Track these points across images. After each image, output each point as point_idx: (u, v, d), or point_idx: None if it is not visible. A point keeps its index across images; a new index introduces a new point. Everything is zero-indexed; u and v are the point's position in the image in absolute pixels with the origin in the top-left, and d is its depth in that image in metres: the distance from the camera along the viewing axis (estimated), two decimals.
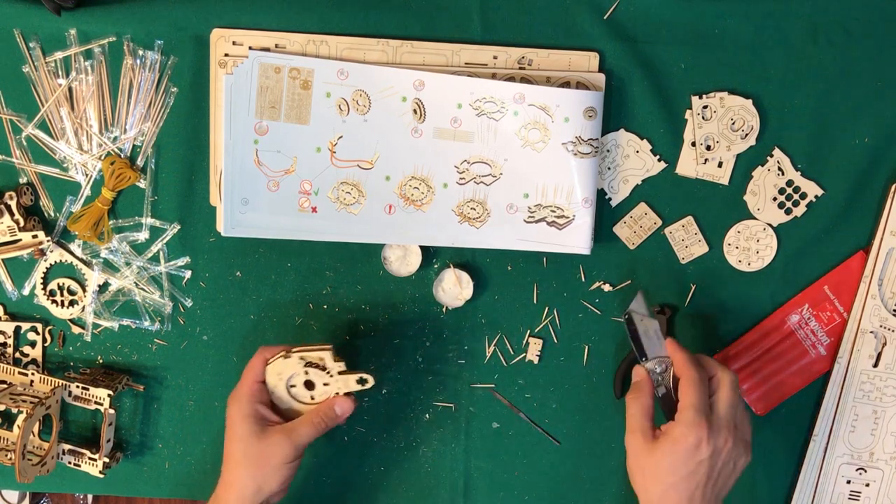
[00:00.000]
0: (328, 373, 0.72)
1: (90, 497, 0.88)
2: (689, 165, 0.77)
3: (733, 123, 0.76)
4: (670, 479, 0.67)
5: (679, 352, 0.71)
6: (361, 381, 0.72)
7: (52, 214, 0.79)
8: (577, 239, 0.76)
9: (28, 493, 0.89)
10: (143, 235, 0.79)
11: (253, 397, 0.71)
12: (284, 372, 0.72)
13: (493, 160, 0.75)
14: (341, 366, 0.72)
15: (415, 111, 0.74)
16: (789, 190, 0.77)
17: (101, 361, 0.82)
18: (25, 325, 0.81)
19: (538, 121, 0.74)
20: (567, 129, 0.73)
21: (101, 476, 0.79)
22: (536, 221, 0.76)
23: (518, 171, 0.75)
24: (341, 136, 0.74)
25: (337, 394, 0.72)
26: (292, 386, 0.73)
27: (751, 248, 0.78)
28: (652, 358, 0.75)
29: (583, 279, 0.79)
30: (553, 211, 0.75)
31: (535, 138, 0.74)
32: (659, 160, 0.77)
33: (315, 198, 0.75)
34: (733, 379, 0.70)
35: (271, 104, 0.73)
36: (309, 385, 0.73)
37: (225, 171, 0.74)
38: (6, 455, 0.77)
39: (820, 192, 0.77)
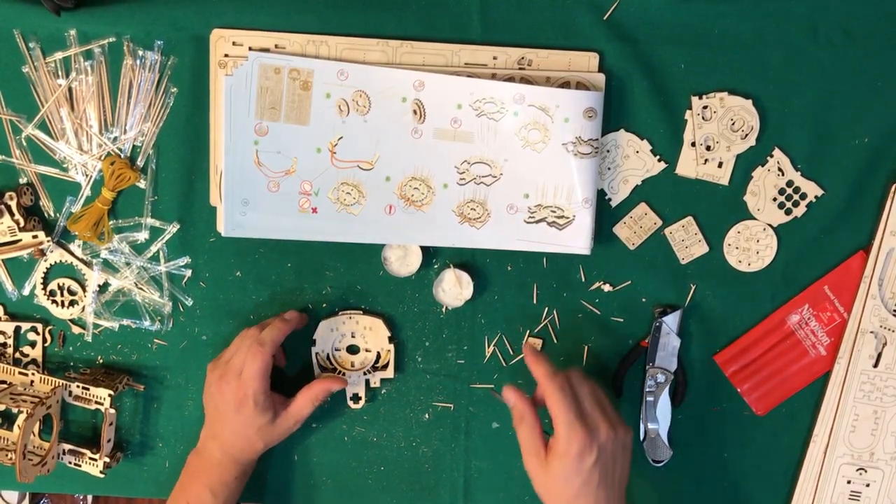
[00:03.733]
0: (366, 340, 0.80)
1: (90, 497, 0.88)
2: (689, 165, 0.77)
3: (733, 123, 0.76)
4: (570, 491, 0.67)
5: (538, 364, 0.70)
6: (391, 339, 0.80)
7: (52, 214, 0.79)
8: (577, 239, 0.76)
9: (28, 494, 0.89)
10: (143, 235, 0.79)
11: (267, 390, 0.74)
12: (338, 331, 0.79)
13: (493, 160, 0.75)
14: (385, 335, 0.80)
15: (415, 112, 0.74)
16: (789, 190, 0.77)
17: (101, 361, 0.82)
18: (25, 325, 0.81)
19: (538, 121, 0.73)
20: (567, 129, 0.73)
21: (102, 476, 0.79)
22: (537, 222, 0.76)
23: (518, 171, 0.75)
24: (341, 137, 0.74)
25: (352, 364, 0.80)
26: (337, 350, 0.79)
27: (751, 248, 0.78)
28: (657, 367, 0.77)
29: (583, 279, 0.79)
30: (553, 211, 0.75)
31: (535, 139, 0.74)
32: (659, 160, 0.77)
33: (315, 198, 0.75)
34: (580, 372, 0.71)
35: (271, 105, 0.73)
36: (351, 350, 0.80)
37: (225, 171, 0.74)
38: (6, 455, 0.77)
39: (820, 192, 0.77)
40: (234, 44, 0.75)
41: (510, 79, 0.75)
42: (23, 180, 0.78)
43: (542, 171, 0.75)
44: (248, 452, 0.76)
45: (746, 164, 0.77)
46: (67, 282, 0.80)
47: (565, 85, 0.75)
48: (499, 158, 0.75)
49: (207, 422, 0.77)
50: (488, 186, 0.76)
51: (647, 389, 0.79)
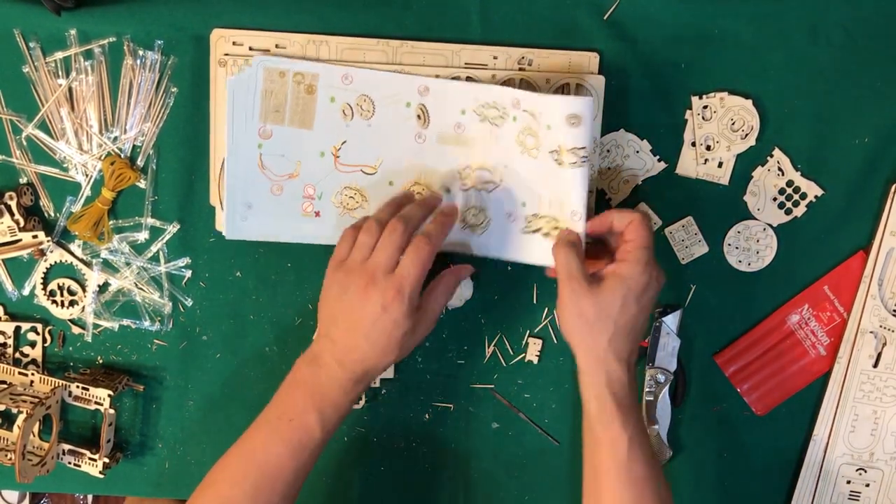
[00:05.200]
0: None
1: (90, 497, 0.88)
2: (689, 165, 0.77)
3: (733, 123, 0.76)
4: (624, 316, 0.65)
5: (614, 209, 0.72)
6: None
7: (52, 214, 0.79)
8: None
9: (28, 494, 0.89)
10: (143, 235, 0.79)
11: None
12: None
13: (494, 167, 0.73)
14: None
15: (419, 116, 0.73)
16: (789, 190, 0.77)
17: (101, 361, 0.82)
18: (25, 326, 0.81)
19: (531, 127, 0.70)
20: (550, 137, 0.69)
21: (101, 476, 0.79)
22: (533, 232, 0.73)
23: (517, 178, 0.73)
24: (345, 141, 0.74)
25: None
26: None
27: (751, 248, 0.78)
28: (657, 366, 0.77)
29: None
30: (549, 222, 0.72)
31: (530, 145, 0.71)
32: (659, 160, 0.77)
33: (318, 202, 0.75)
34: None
35: (275, 108, 0.73)
36: None
37: (227, 174, 0.74)
38: (6, 455, 0.77)
39: (820, 192, 0.77)
40: (234, 44, 0.75)
41: (510, 80, 0.74)
42: (23, 180, 0.78)
43: (537, 179, 0.72)
44: (378, 368, 0.67)
45: (746, 164, 0.77)
46: (67, 282, 0.80)
47: (565, 87, 0.75)
48: (499, 164, 0.73)
49: (326, 332, 0.67)
50: (489, 193, 0.74)
51: (647, 389, 0.79)
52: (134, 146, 0.77)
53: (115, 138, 0.77)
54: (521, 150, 0.72)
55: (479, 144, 0.73)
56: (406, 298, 0.64)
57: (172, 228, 0.79)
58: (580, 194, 0.69)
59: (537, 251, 0.73)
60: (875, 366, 0.79)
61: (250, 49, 0.74)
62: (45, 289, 0.80)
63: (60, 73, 0.76)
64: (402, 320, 0.64)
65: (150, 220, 0.79)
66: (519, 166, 0.73)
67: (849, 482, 0.81)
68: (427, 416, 0.82)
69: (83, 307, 0.80)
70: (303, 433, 0.66)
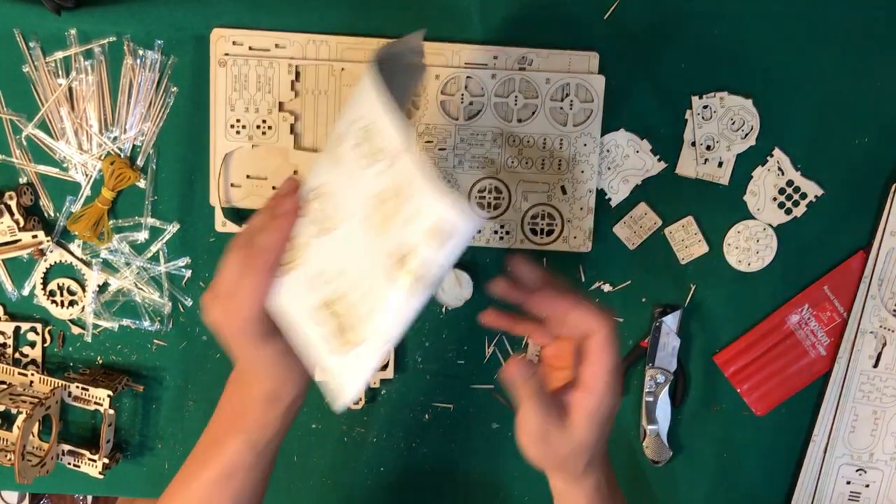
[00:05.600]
0: None
1: (90, 498, 0.88)
2: (689, 165, 0.77)
3: (733, 123, 0.76)
4: (598, 446, 0.58)
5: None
6: None
7: (52, 214, 0.79)
8: (341, 392, 0.52)
9: (28, 494, 0.89)
10: (142, 235, 0.79)
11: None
12: None
13: (339, 207, 0.52)
14: None
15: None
16: (789, 190, 0.78)
17: (100, 362, 0.82)
18: (25, 326, 0.81)
19: (400, 193, 0.48)
20: (400, 233, 0.48)
21: (101, 477, 0.79)
22: (320, 325, 0.52)
23: (348, 241, 0.51)
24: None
25: None
26: None
27: (751, 248, 0.78)
28: (657, 366, 0.77)
29: (583, 279, 0.79)
30: (344, 321, 0.51)
31: (387, 212, 0.48)
32: (659, 160, 0.77)
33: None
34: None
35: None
36: None
37: None
38: (6, 456, 0.77)
39: (820, 192, 0.77)
40: (234, 43, 0.75)
41: (510, 79, 0.74)
42: (23, 180, 0.78)
43: (365, 263, 0.50)
44: (283, 390, 0.58)
45: (746, 164, 0.77)
46: (67, 282, 0.80)
47: (566, 86, 0.75)
48: (345, 210, 0.51)
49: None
50: (315, 239, 0.53)
51: (647, 389, 0.79)
52: (134, 146, 0.77)
53: (115, 138, 0.77)
54: (372, 212, 0.49)
55: (344, 169, 0.52)
56: (250, 332, 0.55)
57: (172, 228, 0.79)
58: (394, 324, 0.49)
59: (313, 343, 0.53)
60: (875, 366, 0.79)
61: (250, 49, 0.74)
62: (44, 289, 0.80)
63: (60, 72, 0.76)
64: (260, 348, 0.56)
65: (150, 220, 0.79)
66: (359, 230, 0.50)
67: (849, 482, 0.81)
68: (427, 416, 0.82)
69: (83, 307, 0.80)
70: (231, 456, 0.59)
